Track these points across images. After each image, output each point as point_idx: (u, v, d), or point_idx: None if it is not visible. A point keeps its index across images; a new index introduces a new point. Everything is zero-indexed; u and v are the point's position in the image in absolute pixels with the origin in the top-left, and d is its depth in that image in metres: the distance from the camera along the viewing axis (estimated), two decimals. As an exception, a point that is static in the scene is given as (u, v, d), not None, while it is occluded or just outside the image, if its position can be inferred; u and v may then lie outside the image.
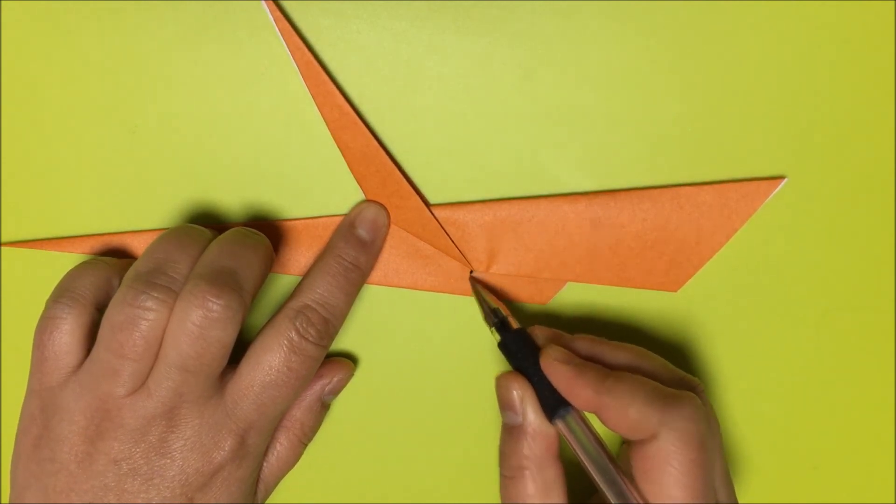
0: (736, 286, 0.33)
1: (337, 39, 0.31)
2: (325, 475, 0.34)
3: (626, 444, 0.28)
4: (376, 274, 0.32)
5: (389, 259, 0.32)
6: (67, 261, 0.32)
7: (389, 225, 0.32)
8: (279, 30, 0.30)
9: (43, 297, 0.29)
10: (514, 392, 0.28)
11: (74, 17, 0.31)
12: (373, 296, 0.33)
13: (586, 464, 0.27)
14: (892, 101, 0.31)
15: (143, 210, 0.32)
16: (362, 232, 0.31)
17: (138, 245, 0.32)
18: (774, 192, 0.31)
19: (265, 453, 0.30)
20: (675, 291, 0.32)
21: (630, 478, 0.26)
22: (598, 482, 0.27)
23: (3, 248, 0.32)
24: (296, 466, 0.32)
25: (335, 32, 0.31)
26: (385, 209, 0.31)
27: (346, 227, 0.31)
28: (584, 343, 0.30)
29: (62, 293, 0.28)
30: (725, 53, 0.31)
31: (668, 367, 0.29)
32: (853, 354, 0.33)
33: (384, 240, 0.32)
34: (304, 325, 0.28)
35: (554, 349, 0.29)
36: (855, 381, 0.34)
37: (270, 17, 0.30)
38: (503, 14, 0.30)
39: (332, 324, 0.29)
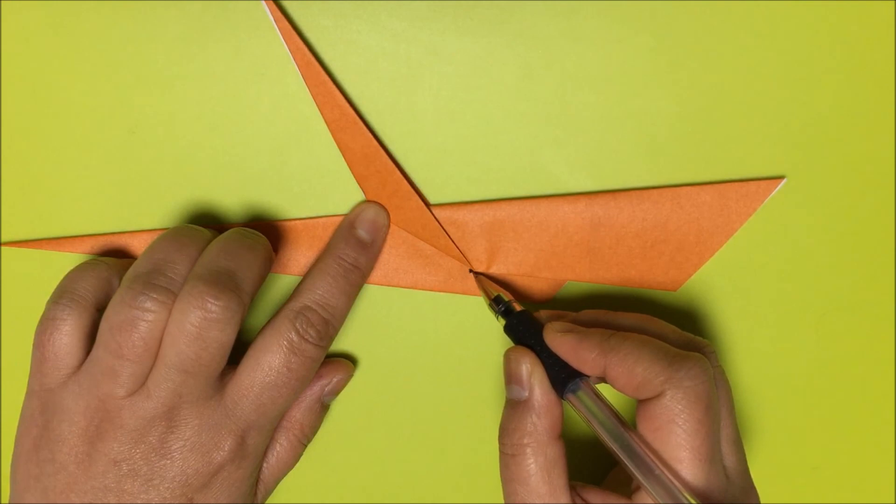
0: (735, 286, 0.33)
1: (337, 39, 0.31)
2: (325, 475, 0.34)
3: (636, 411, 0.27)
4: (376, 274, 0.32)
5: (389, 259, 0.32)
6: (67, 261, 0.32)
7: (389, 225, 0.32)
8: (279, 30, 0.30)
9: (43, 297, 0.29)
10: (524, 366, 0.28)
11: (74, 17, 0.31)
12: (373, 296, 0.33)
13: (601, 434, 0.27)
14: (892, 101, 0.31)
15: (143, 210, 0.32)
16: (362, 232, 0.31)
17: (138, 245, 0.32)
18: (774, 192, 0.31)
19: (265, 454, 0.30)
20: (675, 291, 0.32)
21: (646, 444, 0.26)
22: (615, 451, 0.26)
23: (3, 248, 0.32)
24: (295, 466, 0.32)
25: (335, 32, 0.31)
26: (385, 209, 0.31)
27: (346, 227, 0.31)
28: (589, 315, 0.30)
29: (62, 294, 0.28)
30: (725, 53, 0.31)
31: (676, 330, 0.29)
32: (853, 354, 0.33)
33: (384, 240, 0.32)
34: (304, 325, 0.28)
35: (556, 322, 0.29)
36: (855, 381, 0.34)
37: (270, 17, 0.30)
38: (503, 14, 0.30)
39: (331, 325, 0.29)
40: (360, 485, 0.34)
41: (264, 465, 0.30)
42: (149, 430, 0.27)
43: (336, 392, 0.32)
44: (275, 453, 0.31)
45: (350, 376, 0.33)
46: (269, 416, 0.28)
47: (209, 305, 0.26)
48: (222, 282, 0.27)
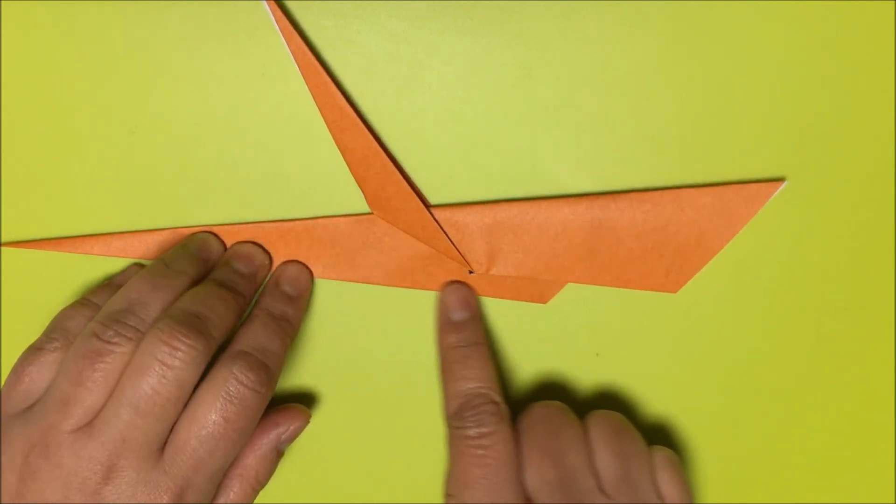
0: (736, 288, 0.33)
1: (337, 39, 0.31)
2: (326, 476, 0.34)
3: None
4: (377, 274, 0.32)
5: (389, 260, 0.32)
6: (67, 261, 0.32)
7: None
8: (280, 30, 0.30)
9: (43, 297, 0.29)
10: None
11: (74, 17, 0.30)
12: (373, 296, 0.33)
13: None
14: (892, 102, 0.31)
15: (143, 210, 0.32)
16: (287, 288, 0.32)
17: (138, 245, 0.32)
18: (775, 195, 0.31)
19: (215, 500, 0.29)
20: (675, 293, 0.32)
21: None
22: None
23: (3, 248, 0.33)
24: (288, 468, 0.31)
25: (335, 32, 0.31)
26: (307, 268, 0.32)
27: (272, 285, 0.32)
28: None
29: (52, 330, 0.29)
30: (725, 53, 0.31)
31: None
32: (853, 355, 0.33)
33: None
34: (242, 369, 0.28)
35: None
36: (855, 382, 0.34)
37: (271, 16, 0.30)
38: (503, 14, 0.30)
39: (269, 369, 0.28)
40: (359, 485, 0.34)
41: None
42: (85, 475, 0.26)
43: (292, 439, 0.31)
44: (228, 502, 0.29)
45: (306, 424, 0.32)
46: (207, 472, 0.27)
47: (176, 343, 0.26)
48: (192, 323, 0.27)
